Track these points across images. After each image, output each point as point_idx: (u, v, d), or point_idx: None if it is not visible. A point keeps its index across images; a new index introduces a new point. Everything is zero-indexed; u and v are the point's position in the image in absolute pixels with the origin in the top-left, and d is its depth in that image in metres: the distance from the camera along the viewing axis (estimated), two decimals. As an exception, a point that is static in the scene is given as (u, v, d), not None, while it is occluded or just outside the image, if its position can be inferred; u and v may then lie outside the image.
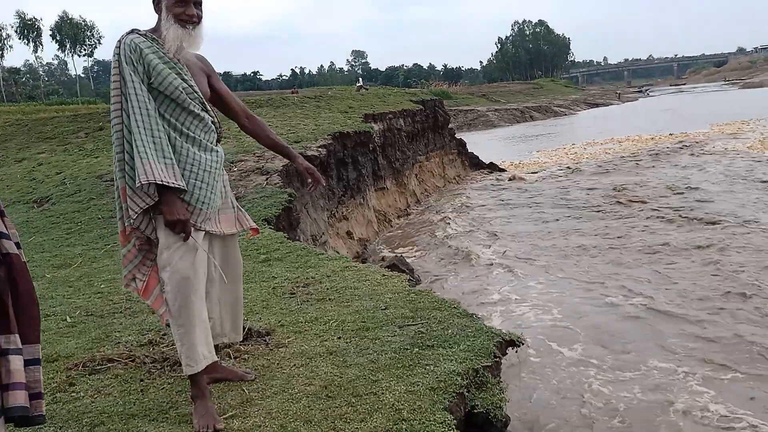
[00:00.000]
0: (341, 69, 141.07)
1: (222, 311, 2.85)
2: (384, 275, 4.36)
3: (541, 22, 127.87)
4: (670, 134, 24.42)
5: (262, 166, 9.00)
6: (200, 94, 2.63)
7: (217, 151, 2.70)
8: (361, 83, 29.41)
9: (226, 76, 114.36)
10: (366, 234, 11.64)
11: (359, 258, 10.18)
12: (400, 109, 15.65)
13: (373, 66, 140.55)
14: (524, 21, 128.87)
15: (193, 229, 2.54)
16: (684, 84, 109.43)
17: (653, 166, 16.80)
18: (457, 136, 20.02)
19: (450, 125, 19.66)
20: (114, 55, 2.52)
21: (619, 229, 10.14)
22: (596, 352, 5.39)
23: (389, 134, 14.31)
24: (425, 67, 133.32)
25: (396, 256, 9.01)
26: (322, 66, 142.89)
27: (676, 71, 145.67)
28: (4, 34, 65.52)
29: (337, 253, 9.39)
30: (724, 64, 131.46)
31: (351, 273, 4.49)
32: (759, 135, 21.93)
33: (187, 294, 2.52)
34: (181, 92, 2.54)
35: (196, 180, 2.57)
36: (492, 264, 8.78)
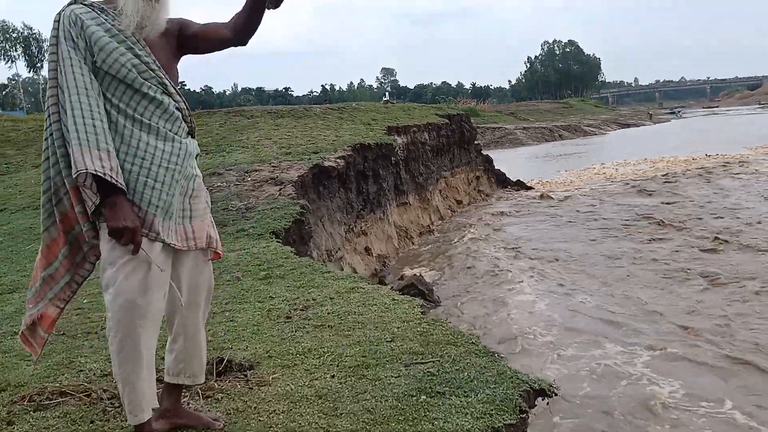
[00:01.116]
0: (371, 86, 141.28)
1: (186, 344, 2.31)
2: (394, 299, 3.80)
3: (571, 42, 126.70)
4: (707, 155, 23.53)
5: (277, 176, 8.57)
6: (161, 73, 2.12)
7: (182, 143, 2.15)
8: (387, 98, 29.32)
9: (259, 91, 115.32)
10: (385, 250, 11.11)
11: (377, 275, 9.66)
12: (425, 123, 15.13)
13: (402, 83, 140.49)
14: (554, 41, 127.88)
15: (145, 239, 2.03)
16: (717, 106, 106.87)
17: (689, 186, 16.02)
18: (484, 152, 19.44)
19: (476, 142, 19.10)
20: (52, 31, 2.04)
21: (659, 251, 9.47)
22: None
23: (413, 148, 13.80)
24: (453, 85, 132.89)
25: (415, 275, 8.46)
26: (351, 83, 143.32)
27: (709, 93, 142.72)
28: (44, 46, 67.03)
29: (354, 270, 8.87)
30: (759, 87, 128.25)
31: (357, 295, 3.95)
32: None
33: (133, 322, 2.00)
34: (130, 70, 2.04)
35: (147, 178, 2.04)
36: (519, 285, 8.19)
